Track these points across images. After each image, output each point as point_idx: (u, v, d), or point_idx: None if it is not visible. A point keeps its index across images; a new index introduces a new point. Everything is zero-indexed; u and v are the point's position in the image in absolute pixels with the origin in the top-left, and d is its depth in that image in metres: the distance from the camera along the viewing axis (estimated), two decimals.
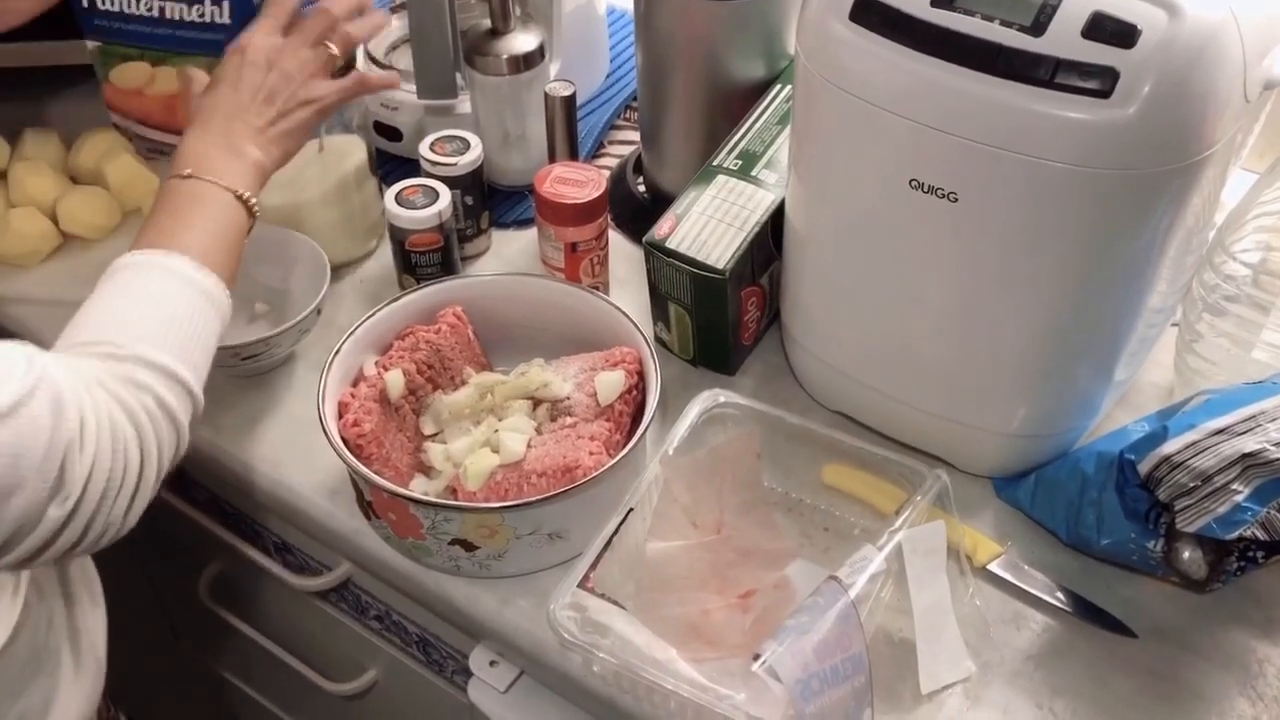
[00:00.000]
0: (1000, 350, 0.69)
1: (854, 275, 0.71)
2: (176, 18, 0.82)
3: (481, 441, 0.71)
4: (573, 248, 0.82)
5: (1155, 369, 0.82)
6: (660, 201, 0.90)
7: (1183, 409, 0.67)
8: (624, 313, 0.76)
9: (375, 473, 0.68)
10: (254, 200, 0.69)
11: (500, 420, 0.73)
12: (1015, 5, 0.58)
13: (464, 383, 0.76)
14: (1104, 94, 0.57)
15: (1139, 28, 0.56)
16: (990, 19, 0.59)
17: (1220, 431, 0.63)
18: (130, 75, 0.90)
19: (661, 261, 0.78)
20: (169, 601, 1.09)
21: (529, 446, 0.70)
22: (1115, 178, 0.59)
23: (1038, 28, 0.58)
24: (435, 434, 0.75)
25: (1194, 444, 0.63)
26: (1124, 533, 0.67)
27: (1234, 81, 0.58)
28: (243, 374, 0.82)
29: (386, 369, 0.73)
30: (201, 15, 0.81)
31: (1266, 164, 0.78)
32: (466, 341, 0.77)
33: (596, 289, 0.83)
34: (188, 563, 0.98)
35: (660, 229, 0.78)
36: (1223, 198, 0.75)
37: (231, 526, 0.88)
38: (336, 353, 0.72)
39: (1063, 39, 0.57)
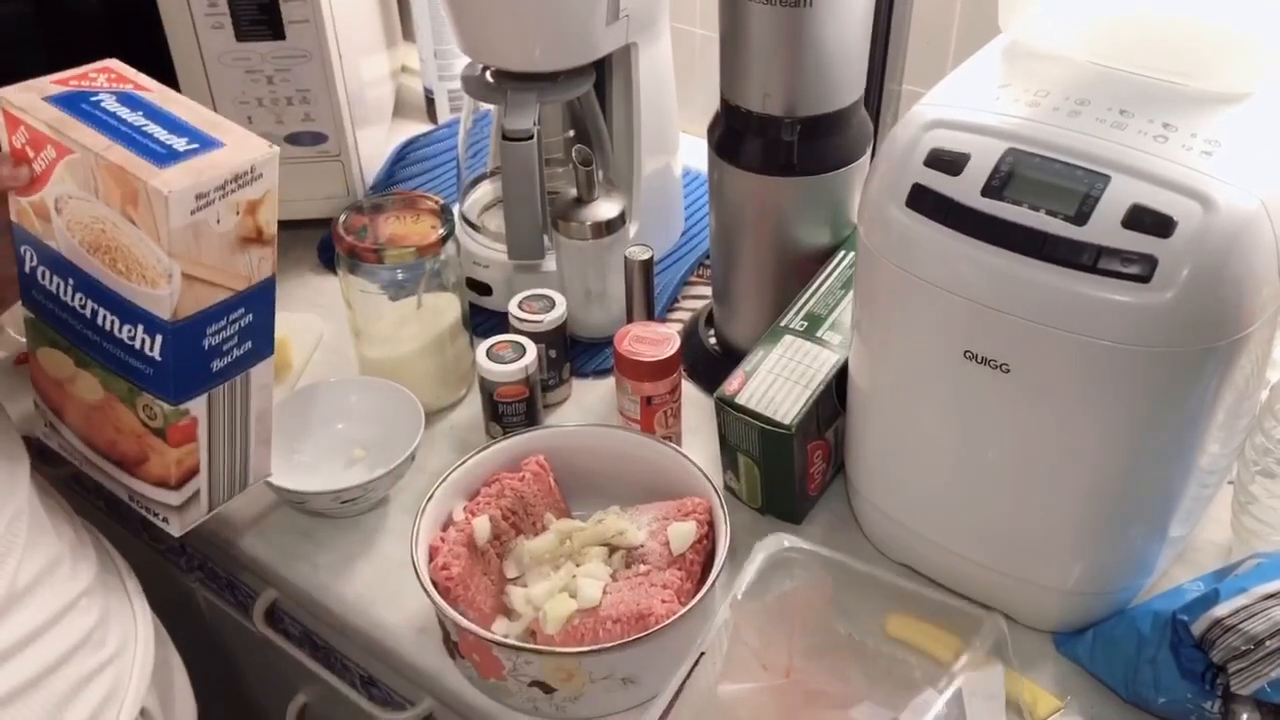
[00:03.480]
0: (1055, 511, 0.72)
1: (913, 435, 0.76)
2: (107, 328, 0.69)
3: (560, 586, 0.75)
4: (648, 401, 0.87)
5: (1214, 526, 0.84)
6: (731, 355, 0.95)
7: (1235, 571, 0.69)
8: (695, 464, 0.80)
9: (461, 614, 0.73)
10: None
11: (578, 566, 0.77)
12: (1060, 196, 0.64)
13: (545, 528, 0.81)
14: (1144, 279, 0.61)
15: (1175, 219, 0.61)
16: (1037, 209, 0.64)
17: (1271, 596, 0.65)
18: (54, 362, 0.75)
19: (731, 416, 0.82)
20: None
21: (605, 593, 0.74)
22: (1158, 354, 0.63)
23: (1080, 218, 0.63)
24: (517, 577, 0.79)
25: (1245, 608, 0.65)
26: (1181, 692, 0.68)
27: (1268, 266, 0.62)
28: (340, 515, 0.88)
29: (474, 515, 0.79)
30: (132, 338, 0.68)
31: None
32: (548, 488, 0.82)
33: (669, 439, 0.88)
34: (277, 691, 1.03)
35: (730, 385, 0.83)
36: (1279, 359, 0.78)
37: (321, 659, 0.93)
38: (430, 499, 0.78)
39: (1104, 228, 0.62)
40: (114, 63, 0.72)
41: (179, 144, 0.65)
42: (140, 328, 0.68)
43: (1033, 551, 0.75)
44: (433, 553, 0.76)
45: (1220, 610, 0.66)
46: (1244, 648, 0.64)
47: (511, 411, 0.90)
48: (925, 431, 0.75)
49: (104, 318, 0.69)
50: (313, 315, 1.05)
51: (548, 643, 0.73)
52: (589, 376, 1.01)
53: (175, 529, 0.74)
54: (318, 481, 0.86)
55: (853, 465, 0.84)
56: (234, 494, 0.77)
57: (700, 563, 0.77)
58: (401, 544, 0.86)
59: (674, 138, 1.11)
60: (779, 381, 0.83)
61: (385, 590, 0.83)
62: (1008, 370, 0.67)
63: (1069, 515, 0.72)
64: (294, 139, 1.09)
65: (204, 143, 0.66)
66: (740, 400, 0.82)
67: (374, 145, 1.21)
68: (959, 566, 0.79)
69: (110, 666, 0.70)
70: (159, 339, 0.67)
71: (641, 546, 0.77)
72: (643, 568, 0.76)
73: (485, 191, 1.11)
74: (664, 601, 0.72)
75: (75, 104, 0.67)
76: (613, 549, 0.78)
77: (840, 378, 0.83)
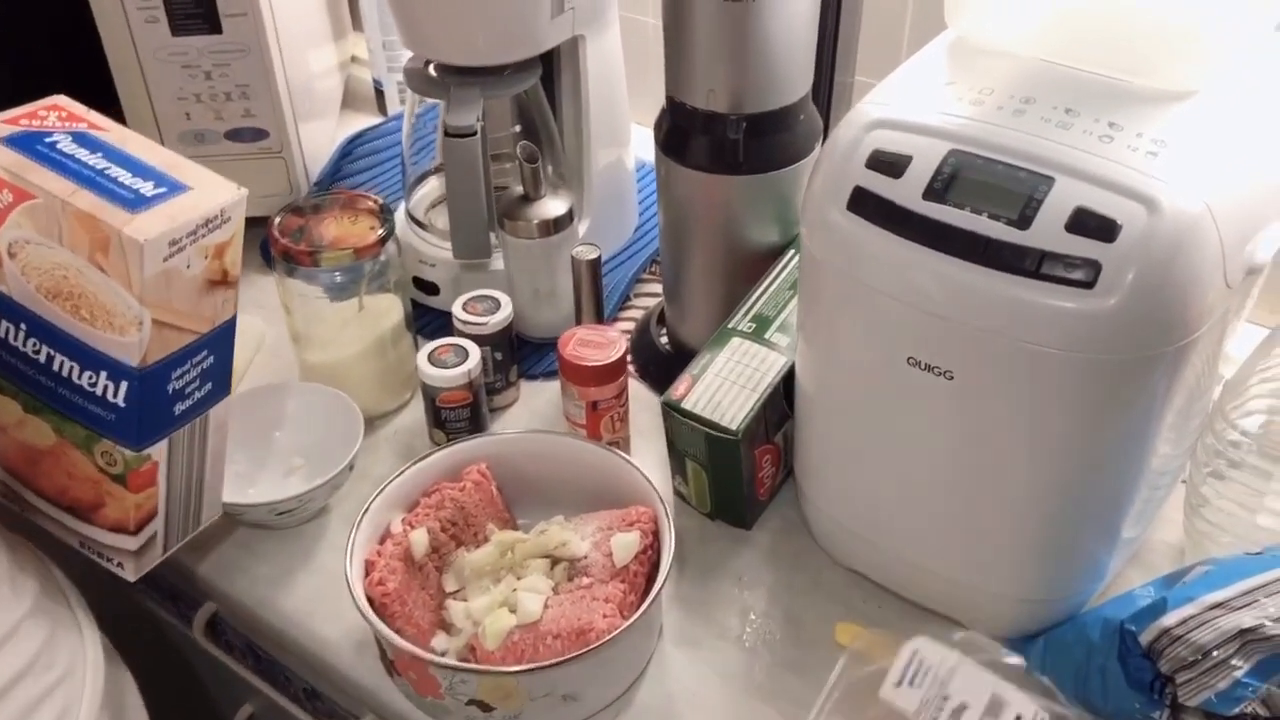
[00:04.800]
0: (1003, 519, 0.70)
1: (860, 440, 0.74)
2: (64, 374, 0.66)
3: (500, 601, 0.73)
4: (593, 406, 0.85)
5: (1168, 526, 0.83)
6: (683, 354, 0.93)
7: (1184, 579, 0.68)
8: (641, 472, 0.78)
9: (398, 630, 0.71)
10: None
11: (519, 579, 0.76)
12: (1003, 199, 0.62)
13: (487, 539, 0.79)
14: (1088, 284, 0.60)
15: (1119, 222, 0.59)
16: (979, 212, 0.62)
17: (1219, 605, 0.64)
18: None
19: (678, 421, 0.81)
20: None
21: (546, 607, 0.72)
22: (1103, 362, 0.61)
23: (1024, 221, 0.61)
24: (457, 590, 0.77)
25: (1193, 617, 0.64)
26: (1129, 701, 0.67)
27: (1214, 270, 0.60)
28: (279, 526, 0.85)
29: (412, 527, 0.77)
30: (93, 385, 0.65)
31: (1278, 319, 0.79)
32: (490, 498, 0.80)
33: (616, 444, 0.86)
34: (226, 700, 1.01)
35: (677, 390, 0.81)
36: (1232, 353, 0.77)
37: (264, 672, 0.91)
38: (365, 511, 0.76)
39: (1047, 232, 0.60)
40: (62, 99, 0.70)
41: (145, 188, 0.64)
42: (103, 374, 0.66)
43: (981, 558, 0.73)
44: (369, 567, 0.74)
45: (1168, 620, 0.65)
46: (1191, 658, 0.63)
47: (455, 417, 0.88)
48: (871, 437, 0.73)
49: (61, 364, 0.67)
50: (254, 318, 1.03)
51: (487, 659, 0.71)
52: (539, 378, 0.99)
53: (130, 574, 0.73)
54: (254, 493, 0.84)
55: (801, 470, 0.82)
56: (188, 535, 0.75)
57: (644, 574, 0.76)
58: (341, 555, 0.84)
59: (625, 131, 1.08)
60: (726, 385, 0.81)
61: (324, 604, 0.81)
62: (951, 377, 0.65)
63: (1017, 523, 0.70)
64: (234, 135, 1.07)
65: (171, 186, 0.65)
66: (686, 405, 0.80)
67: (320, 139, 1.18)
68: (908, 572, 0.78)
69: (60, 689, 0.68)
70: (124, 386, 0.65)
71: (585, 558, 0.76)
72: (585, 580, 0.74)
73: (432, 188, 1.08)
74: (605, 616, 0.70)
75: (30, 146, 0.65)
76: (555, 561, 0.77)
77: (789, 380, 0.81)
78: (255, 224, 0.97)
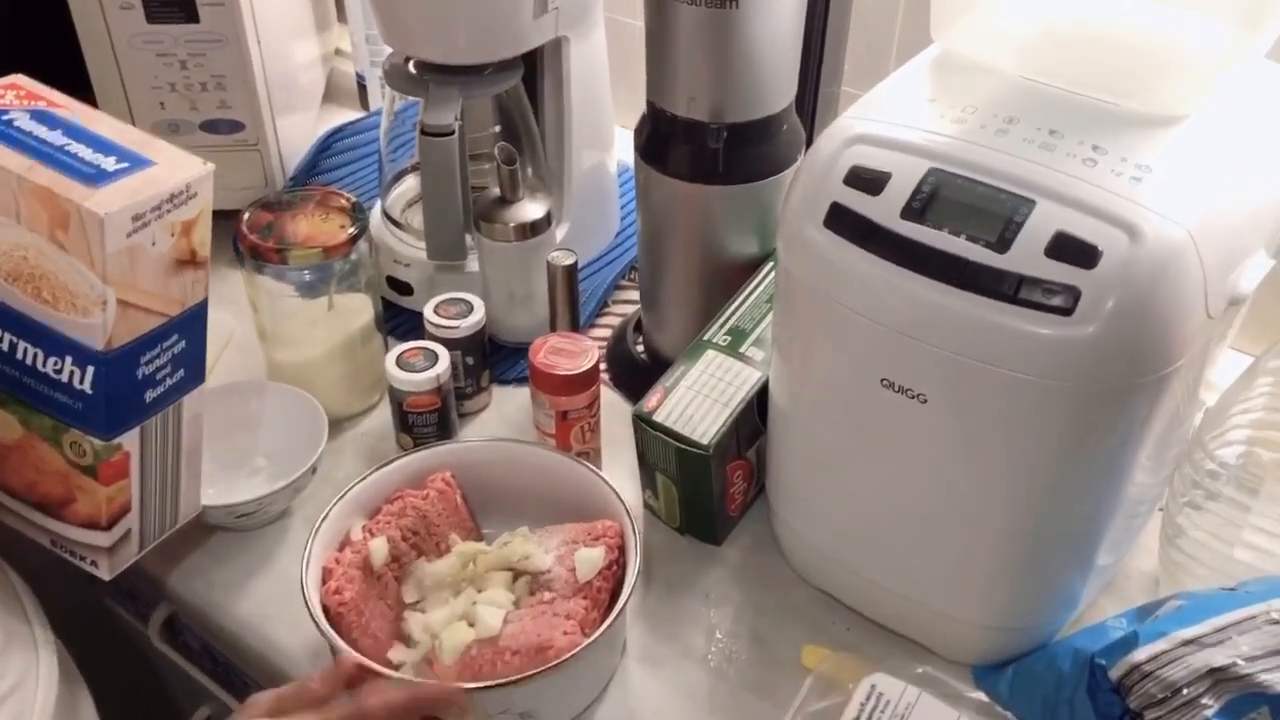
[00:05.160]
0: (975, 545, 0.69)
1: (831, 460, 0.73)
2: (29, 362, 0.64)
3: (459, 614, 0.72)
4: (564, 415, 0.83)
5: (1144, 555, 0.82)
6: (659, 364, 0.92)
7: (1156, 613, 0.67)
8: (610, 485, 0.77)
9: (354, 641, 0.69)
10: None
11: (480, 591, 0.74)
12: (982, 221, 0.60)
13: (449, 549, 0.77)
14: (1066, 311, 0.58)
15: (1100, 249, 0.58)
16: (957, 234, 0.61)
17: (1190, 642, 0.63)
18: None
19: (649, 434, 0.79)
20: None
21: (506, 621, 0.70)
22: (1080, 390, 0.60)
23: (1002, 244, 0.60)
24: (417, 602, 0.75)
25: (1164, 653, 0.63)
26: None
27: (1195, 300, 0.59)
28: (238, 528, 0.84)
29: (372, 535, 0.75)
30: (59, 371, 0.63)
31: (1262, 347, 0.78)
32: (454, 507, 0.79)
33: (586, 455, 0.85)
34: (179, 705, 0.99)
35: (649, 402, 0.80)
36: (1214, 379, 0.76)
37: (220, 676, 0.89)
38: (325, 517, 0.74)
39: (1026, 257, 0.59)
40: (20, 78, 0.68)
41: (107, 163, 0.62)
42: (68, 360, 0.63)
43: (952, 584, 0.72)
44: (326, 574, 0.72)
45: (1138, 655, 0.63)
46: (1161, 695, 0.62)
47: (422, 422, 0.86)
48: (843, 457, 0.71)
49: (24, 351, 0.64)
50: (223, 313, 1.01)
51: (444, 673, 0.69)
52: (511, 384, 0.97)
53: (105, 572, 0.70)
54: (214, 493, 0.82)
55: (772, 487, 0.81)
56: (165, 532, 0.73)
57: (609, 590, 0.74)
58: (301, 560, 0.83)
59: (608, 134, 1.07)
60: (699, 399, 0.79)
61: (282, 609, 0.79)
62: (925, 401, 0.64)
63: (989, 549, 0.69)
64: (209, 126, 1.05)
65: (134, 161, 0.62)
66: (658, 418, 0.79)
67: (299, 132, 1.16)
68: (877, 595, 0.76)
69: (9, 700, 0.66)
70: (90, 371, 0.63)
71: (548, 572, 0.74)
72: (547, 595, 0.73)
73: (409, 186, 1.06)
74: (566, 633, 0.69)
75: None
76: (517, 574, 0.75)
77: (762, 395, 0.80)
78: (228, 217, 0.96)
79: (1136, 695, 0.63)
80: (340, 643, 0.68)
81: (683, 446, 0.77)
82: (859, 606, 0.78)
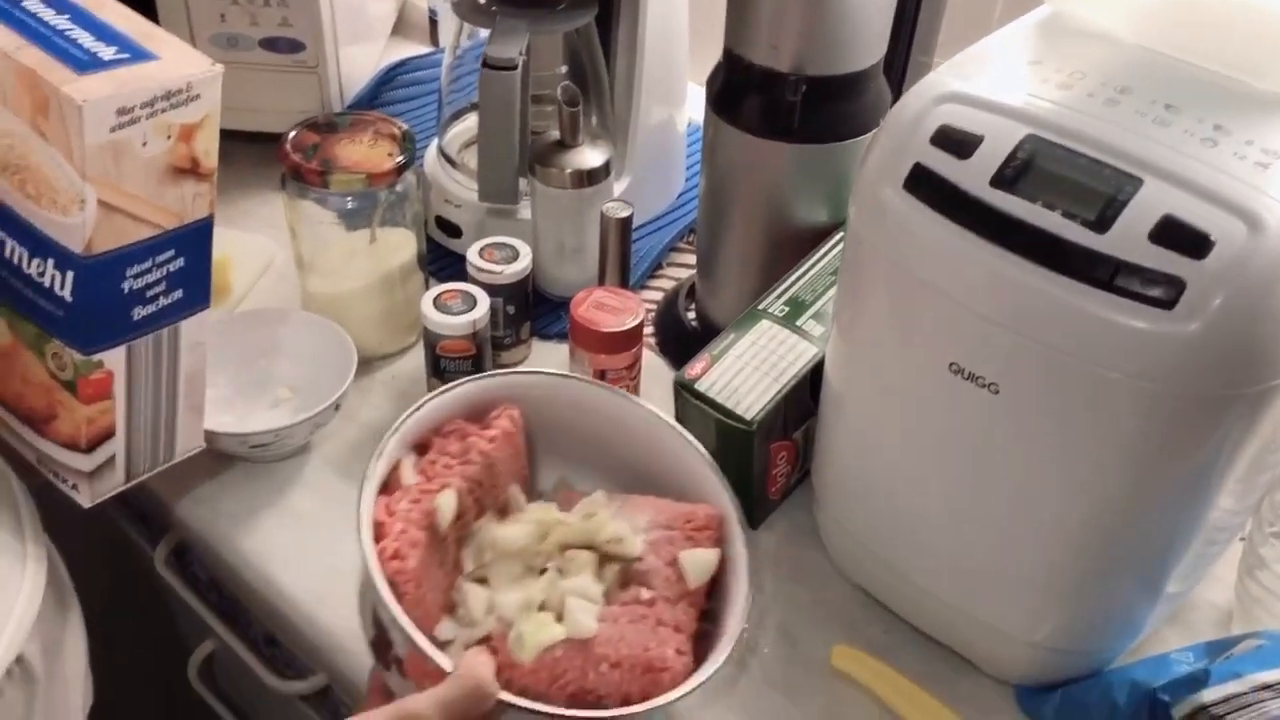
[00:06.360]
0: (1031, 553, 0.63)
1: (886, 449, 0.67)
2: (16, 261, 0.60)
3: (539, 600, 0.59)
4: (601, 374, 0.78)
5: (1217, 586, 0.75)
6: (710, 332, 0.86)
7: (1231, 651, 0.60)
8: (706, 458, 0.65)
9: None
10: None
11: (561, 572, 0.61)
12: (1080, 196, 0.54)
13: (507, 504, 0.64)
14: (1168, 304, 0.52)
15: (1213, 238, 0.51)
16: (1052, 208, 0.54)
17: (1268, 688, 0.56)
18: None
19: (689, 403, 0.74)
20: (161, 677, 1.07)
21: (598, 621, 0.58)
22: (1173, 394, 0.53)
23: (1102, 224, 0.53)
24: (476, 569, 0.61)
25: (1237, 696, 0.57)
26: None
27: None
28: (253, 460, 0.80)
29: (430, 478, 0.60)
30: (42, 274, 0.59)
31: None
32: (517, 452, 0.65)
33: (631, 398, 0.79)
34: (184, 636, 0.96)
35: (692, 369, 0.74)
36: None
37: (225, 612, 0.86)
38: (379, 456, 0.60)
39: (1128, 240, 0.53)
40: None
41: (105, 52, 0.57)
42: (50, 262, 0.59)
43: (1004, 595, 0.66)
44: (379, 530, 0.58)
45: (1208, 695, 0.57)
46: None
47: (455, 368, 0.82)
48: (899, 447, 0.66)
49: (12, 250, 0.60)
50: (265, 238, 0.97)
51: (514, 671, 0.56)
52: (553, 339, 0.92)
53: (85, 499, 0.67)
54: (229, 421, 0.78)
55: (818, 474, 0.75)
56: (158, 466, 0.69)
57: (705, 591, 0.61)
58: (315, 499, 0.79)
59: (680, 89, 1.01)
60: (747, 370, 0.74)
61: (288, 548, 0.75)
62: (997, 391, 0.58)
63: (1050, 562, 0.63)
64: (269, 44, 1.01)
65: (135, 53, 0.58)
66: (700, 387, 0.73)
67: (363, 61, 1.12)
68: (922, 600, 0.70)
69: None
70: (70, 276, 0.58)
71: (640, 560, 0.61)
72: (645, 594, 0.59)
73: (468, 126, 1.01)
74: (679, 653, 0.56)
75: None
76: (604, 558, 0.62)
77: (817, 373, 0.74)
78: (273, 140, 0.92)
79: None
80: (415, 635, 0.54)
81: (724, 420, 0.72)
82: (900, 610, 0.73)
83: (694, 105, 1.03)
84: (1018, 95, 0.58)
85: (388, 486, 0.61)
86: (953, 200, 0.57)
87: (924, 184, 0.58)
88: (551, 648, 0.56)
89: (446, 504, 0.60)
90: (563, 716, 0.53)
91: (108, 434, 0.65)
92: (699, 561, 0.61)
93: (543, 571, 0.61)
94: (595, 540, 0.62)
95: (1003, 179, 0.56)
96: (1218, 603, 0.75)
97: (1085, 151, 0.55)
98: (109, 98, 0.55)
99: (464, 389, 0.65)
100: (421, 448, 0.63)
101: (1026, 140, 0.56)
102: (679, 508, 0.64)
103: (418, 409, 0.63)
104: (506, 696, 0.53)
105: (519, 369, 0.69)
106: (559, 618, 0.58)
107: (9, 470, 0.70)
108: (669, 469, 0.66)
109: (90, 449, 0.65)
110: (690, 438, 0.67)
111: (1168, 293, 0.52)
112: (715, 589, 0.62)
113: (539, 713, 0.53)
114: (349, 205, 0.82)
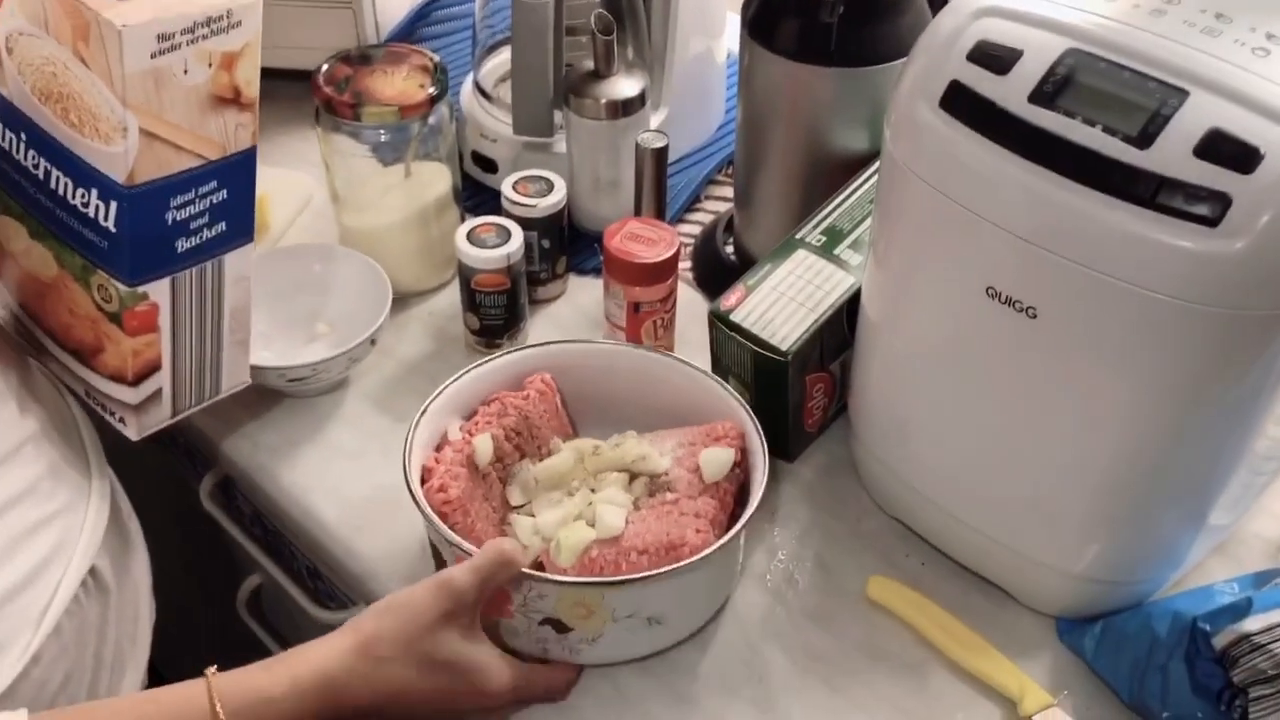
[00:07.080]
0: (1073, 482, 0.62)
1: (923, 378, 0.66)
2: (61, 192, 0.60)
3: (575, 514, 0.66)
4: (635, 308, 0.78)
5: (1265, 518, 0.74)
6: (747, 265, 0.85)
7: (1276, 580, 0.59)
8: (724, 386, 0.71)
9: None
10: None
11: (594, 492, 0.68)
12: (1123, 111, 0.52)
13: (549, 453, 0.72)
14: (1212, 222, 0.50)
15: (1262, 151, 0.50)
16: (1093, 123, 0.53)
17: None
18: (6, 231, 0.67)
19: (724, 334, 0.73)
20: (214, 609, 1.09)
21: (627, 522, 0.65)
22: (1218, 316, 0.52)
23: (1145, 139, 0.51)
24: (523, 504, 0.70)
25: None
26: (1190, 709, 0.59)
27: None
28: (291, 394, 0.81)
29: (473, 434, 0.69)
30: (86, 205, 0.59)
31: None
32: (555, 410, 0.73)
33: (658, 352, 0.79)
34: (236, 569, 0.97)
35: (728, 300, 0.73)
36: None
37: (269, 545, 0.87)
38: (422, 414, 0.68)
39: (1172, 155, 0.51)
40: None
41: None
42: (94, 192, 0.59)
43: (1044, 526, 0.65)
44: (426, 474, 0.67)
45: (1251, 624, 0.56)
46: (1272, 672, 0.55)
47: (490, 303, 0.81)
48: (935, 376, 0.65)
49: (57, 180, 0.61)
50: (303, 174, 0.97)
51: (561, 574, 0.63)
52: (589, 274, 0.91)
53: (132, 431, 0.68)
54: (269, 355, 0.79)
55: (855, 406, 0.74)
56: (204, 400, 0.70)
57: (733, 493, 0.68)
58: (353, 433, 0.80)
59: (720, 19, 0.99)
60: (783, 301, 0.73)
61: (325, 480, 0.76)
62: (1035, 315, 0.56)
63: (1091, 491, 0.62)
64: None
65: None
66: (735, 318, 0.72)
67: None
68: (960, 532, 0.69)
69: (57, 521, 0.64)
70: (114, 206, 0.59)
71: (666, 474, 0.68)
72: (669, 496, 0.67)
73: (503, 60, 1.00)
74: (699, 531, 0.63)
75: None
76: (633, 476, 0.69)
77: (854, 304, 0.73)
78: (309, 77, 0.92)
79: (1242, 669, 0.56)
80: (457, 539, 0.62)
81: (760, 351, 0.71)
82: (937, 542, 0.72)
83: (732, 37, 1.01)
84: (1059, 7, 0.56)
85: (439, 446, 0.69)
86: (990, 117, 0.55)
87: (961, 102, 0.56)
88: (587, 549, 0.64)
89: (483, 445, 0.68)
90: (572, 582, 0.62)
91: (154, 367, 0.66)
92: (715, 459, 0.67)
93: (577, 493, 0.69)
94: (624, 462, 0.69)
95: (1042, 95, 0.54)
96: (1267, 535, 0.73)
97: (1129, 64, 0.53)
98: (149, 23, 0.55)
99: (496, 363, 0.73)
100: (468, 415, 0.71)
101: (1067, 54, 0.54)
102: (703, 428, 0.70)
103: (457, 379, 0.71)
104: (526, 570, 0.62)
105: (549, 341, 0.76)
106: (592, 525, 0.65)
107: (73, 402, 0.72)
108: (691, 402, 0.71)
109: (136, 382, 0.65)
110: (704, 370, 0.72)
111: (1213, 210, 0.50)
112: (743, 496, 0.68)
113: (551, 581, 0.62)
114: (382, 138, 0.82)
